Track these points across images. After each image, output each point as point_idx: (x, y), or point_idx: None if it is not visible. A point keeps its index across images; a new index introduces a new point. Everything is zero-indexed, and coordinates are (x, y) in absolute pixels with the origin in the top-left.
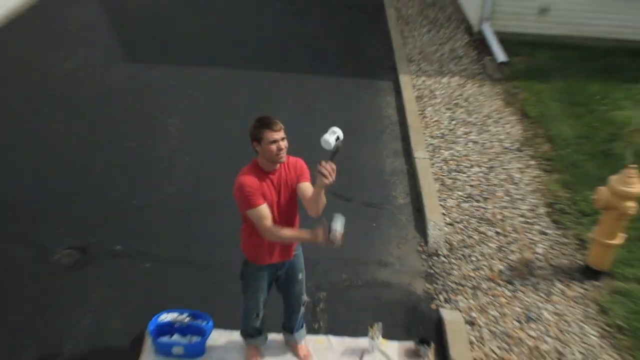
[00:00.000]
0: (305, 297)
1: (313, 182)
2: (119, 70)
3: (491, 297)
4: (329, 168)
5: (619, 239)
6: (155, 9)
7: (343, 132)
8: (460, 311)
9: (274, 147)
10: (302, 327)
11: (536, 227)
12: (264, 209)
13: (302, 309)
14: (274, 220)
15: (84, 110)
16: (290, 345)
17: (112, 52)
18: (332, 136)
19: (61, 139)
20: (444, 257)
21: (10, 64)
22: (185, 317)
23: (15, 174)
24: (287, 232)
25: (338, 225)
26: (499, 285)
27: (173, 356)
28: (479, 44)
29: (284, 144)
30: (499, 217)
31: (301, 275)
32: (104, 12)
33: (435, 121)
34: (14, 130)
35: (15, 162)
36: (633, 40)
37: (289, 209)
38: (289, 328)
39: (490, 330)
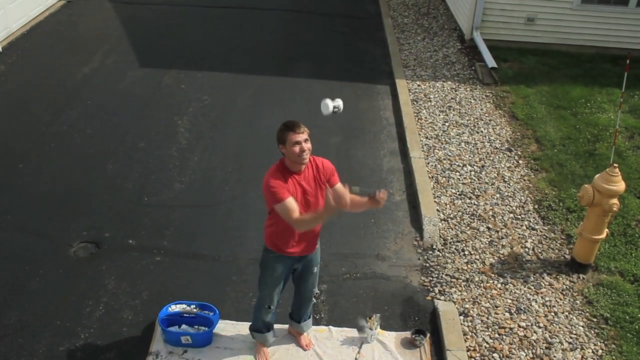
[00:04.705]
0: (316, 290)
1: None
2: (132, 75)
3: (483, 289)
4: (383, 197)
5: (603, 234)
6: (167, 18)
7: (343, 133)
8: (454, 303)
9: (297, 148)
10: (309, 317)
11: (525, 222)
12: (290, 203)
13: (313, 301)
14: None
15: (99, 111)
16: (294, 335)
17: (126, 58)
18: (332, 103)
19: (78, 139)
20: (439, 251)
21: (31, 69)
22: (193, 308)
23: (34, 172)
24: (312, 216)
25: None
26: (491, 278)
27: (182, 345)
28: (470, 51)
29: (307, 145)
30: (490, 213)
31: (316, 269)
32: (119, 21)
33: (430, 123)
34: (33, 131)
35: (34, 161)
36: (613, 48)
37: (315, 206)
38: (296, 318)
39: (482, 321)
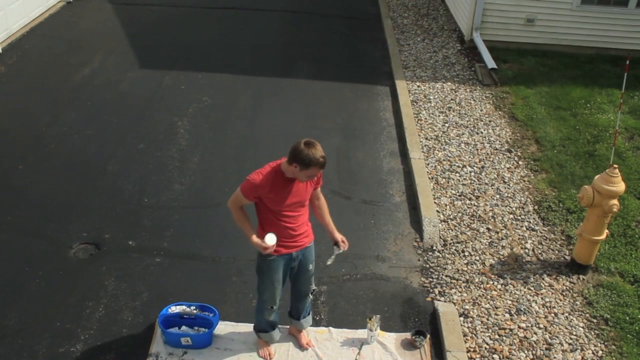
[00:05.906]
0: (313, 286)
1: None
2: (132, 76)
3: (483, 290)
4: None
5: (603, 235)
6: (167, 19)
7: (343, 134)
8: (454, 304)
9: (306, 178)
10: (308, 314)
11: (525, 223)
12: (244, 201)
13: (310, 297)
14: (286, 211)
15: (99, 112)
16: (294, 334)
17: (126, 59)
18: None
19: (77, 139)
20: (439, 252)
21: (31, 70)
22: (193, 309)
23: (34, 173)
24: (242, 224)
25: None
26: (491, 279)
27: (182, 346)
28: (470, 51)
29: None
30: (490, 214)
31: (311, 266)
32: (119, 22)
33: (430, 124)
34: (33, 131)
35: (34, 162)
36: (613, 49)
37: (303, 198)
38: (295, 315)
39: (482, 322)
